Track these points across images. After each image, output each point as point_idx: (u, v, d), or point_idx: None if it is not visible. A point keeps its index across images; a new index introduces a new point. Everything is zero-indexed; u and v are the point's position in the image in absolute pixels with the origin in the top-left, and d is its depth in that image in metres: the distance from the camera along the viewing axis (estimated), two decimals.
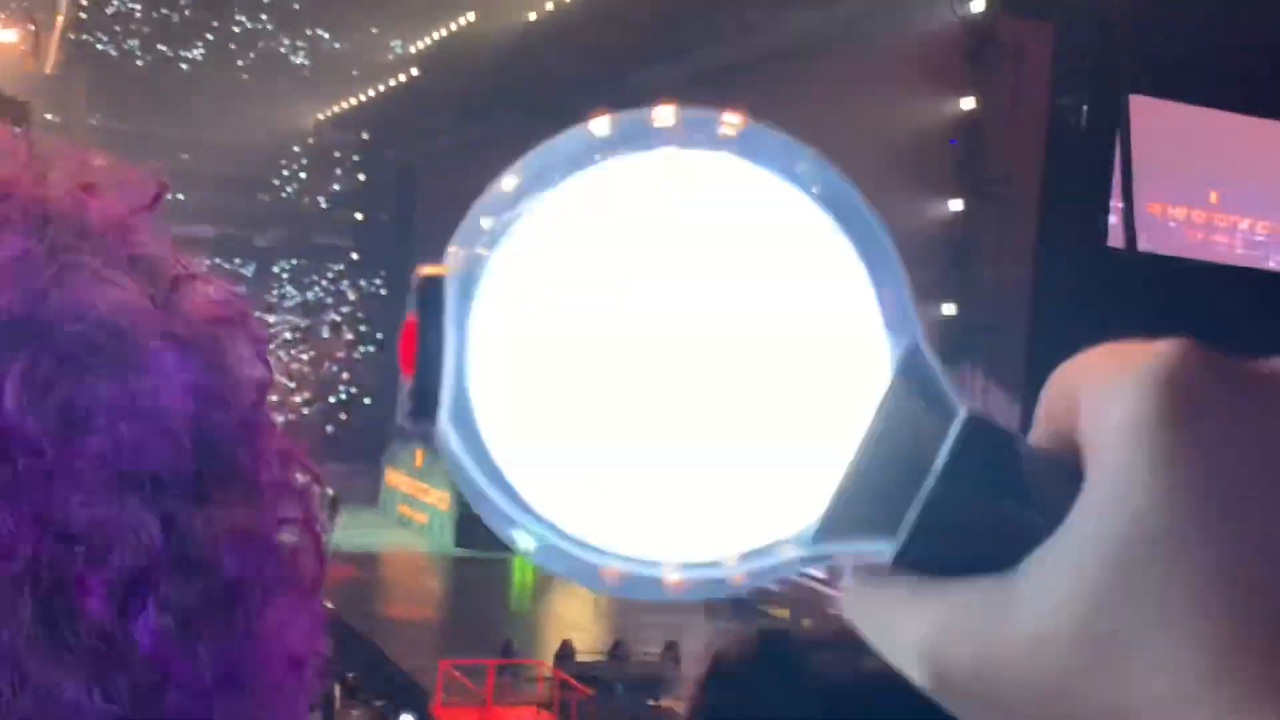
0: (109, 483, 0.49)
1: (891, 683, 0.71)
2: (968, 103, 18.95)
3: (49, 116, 45.58)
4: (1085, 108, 18.07)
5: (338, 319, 56.69)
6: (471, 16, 35.06)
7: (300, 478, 0.65)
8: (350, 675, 20.25)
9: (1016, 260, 18.36)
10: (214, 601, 0.52)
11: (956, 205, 19.06)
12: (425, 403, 0.45)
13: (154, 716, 0.49)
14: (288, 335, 55.88)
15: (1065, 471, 0.39)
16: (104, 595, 0.48)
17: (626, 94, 28.62)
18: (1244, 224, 19.53)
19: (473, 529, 29.53)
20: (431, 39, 39.04)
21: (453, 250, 0.43)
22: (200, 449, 0.53)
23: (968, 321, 18.77)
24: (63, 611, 0.47)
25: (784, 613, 23.53)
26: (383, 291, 51.63)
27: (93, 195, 0.56)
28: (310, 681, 0.59)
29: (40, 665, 0.47)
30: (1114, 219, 17.99)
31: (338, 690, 19.33)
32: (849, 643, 0.79)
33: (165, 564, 0.50)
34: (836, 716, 0.79)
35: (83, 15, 48.43)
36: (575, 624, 21.86)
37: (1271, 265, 19.34)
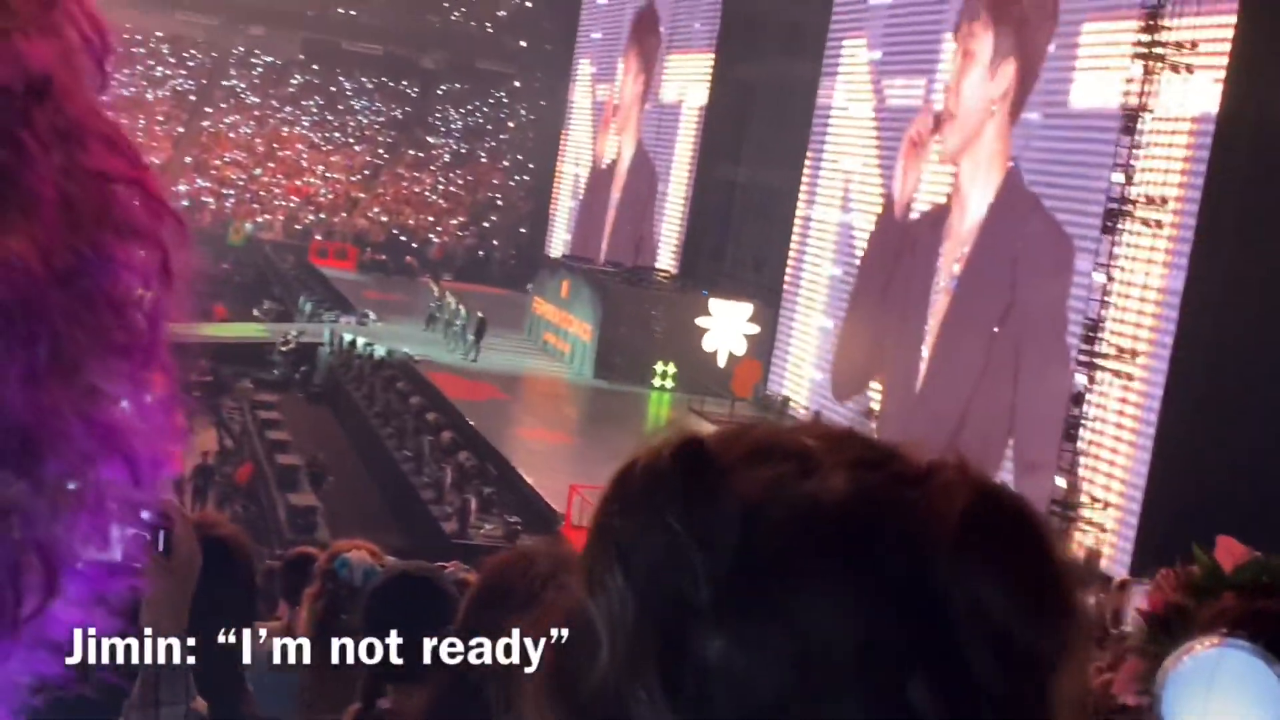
0: None
1: (812, 514, 0.69)
2: None
3: None
4: None
5: (495, 145, 57.08)
6: None
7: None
8: (488, 490, 21.00)
9: None
10: None
11: None
12: None
13: None
14: (446, 158, 56.55)
15: None
16: None
17: None
18: None
19: (612, 361, 30.02)
20: None
21: None
22: None
23: None
24: None
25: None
26: (540, 121, 51.68)
27: None
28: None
29: None
30: None
31: (474, 503, 20.09)
32: (783, 463, 0.72)
33: None
34: (752, 543, 0.69)
35: None
36: None
37: None
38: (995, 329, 21.92)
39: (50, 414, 0.49)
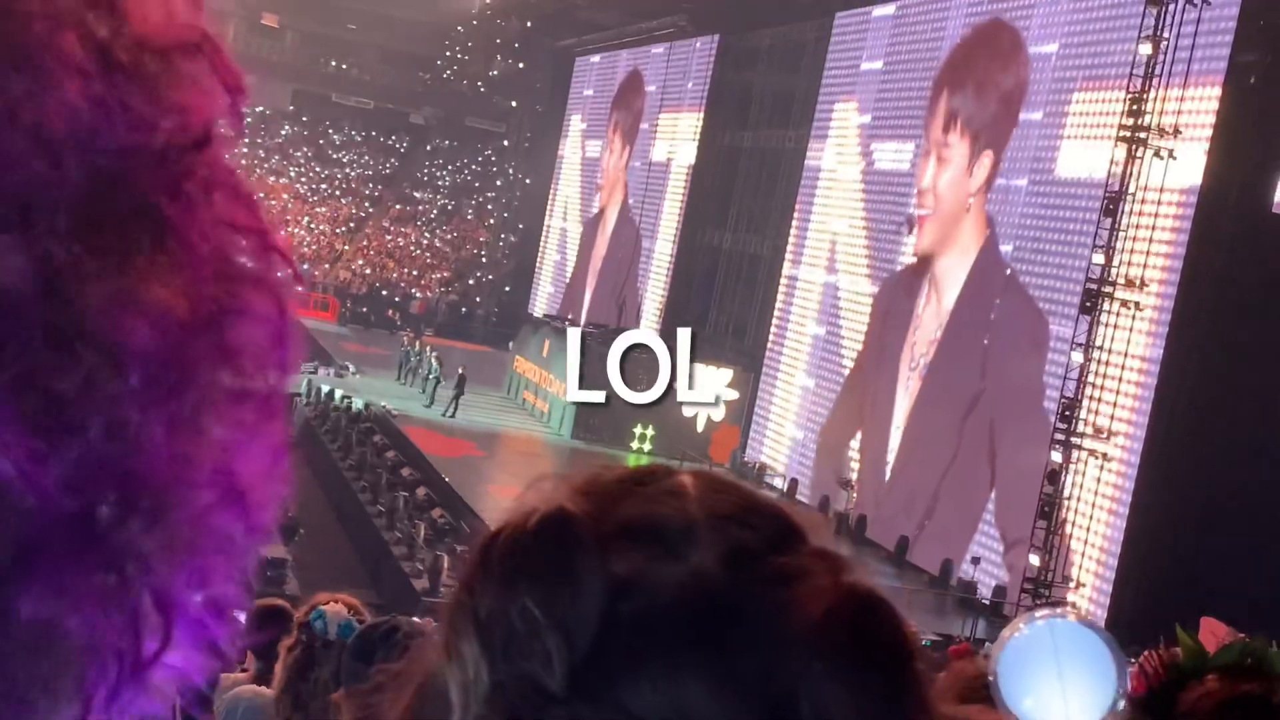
0: None
1: (674, 605, 0.66)
2: None
3: None
4: None
5: (482, 202, 57.31)
6: None
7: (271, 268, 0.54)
8: (461, 548, 20.85)
9: None
10: (102, 397, 0.46)
11: None
12: None
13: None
14: (433, 214, 56.72)
15: None
16: None
17: None
18: None
19: (590, 422, 29.98)
20: None
21: None
22: (91, 176, 0.46)
23: None
24: None
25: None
26: (528, 180, 51.93)
27: None
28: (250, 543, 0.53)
29: None
30: None
31: (446, 561, 19.94)
32: (653, 538, 0.69)
33: (33, 330, 0.44)
34: (610, 632, 0.66)
35: None
36: None
37: None
38: (966, 414, 21.98)
39: (183, 464, 0.49)
